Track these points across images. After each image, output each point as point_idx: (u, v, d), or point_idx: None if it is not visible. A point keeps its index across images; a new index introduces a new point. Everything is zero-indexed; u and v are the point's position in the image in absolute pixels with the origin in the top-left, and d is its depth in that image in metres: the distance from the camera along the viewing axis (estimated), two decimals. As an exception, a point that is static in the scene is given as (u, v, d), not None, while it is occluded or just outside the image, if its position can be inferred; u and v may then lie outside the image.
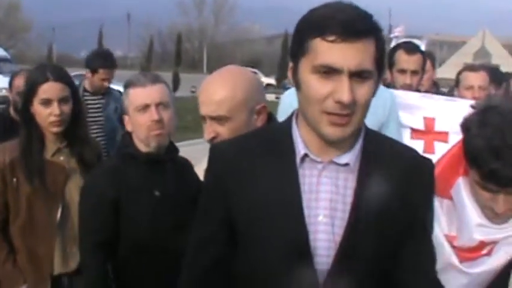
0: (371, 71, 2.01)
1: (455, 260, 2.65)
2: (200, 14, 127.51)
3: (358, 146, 2.16)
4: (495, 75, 6.55)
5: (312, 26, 2.01)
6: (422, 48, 6.18)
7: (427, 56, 6.18)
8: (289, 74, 2.14)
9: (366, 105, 2.05)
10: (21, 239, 3.67)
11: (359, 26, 1.96)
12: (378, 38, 2.04)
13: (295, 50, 2.08)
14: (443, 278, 2.59)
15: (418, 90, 5.29)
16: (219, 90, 2.82)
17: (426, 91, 5.87)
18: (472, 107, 2.56)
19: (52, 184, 3.65)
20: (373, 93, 2.06)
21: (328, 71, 1.97)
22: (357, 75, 1.98)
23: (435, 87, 6.13)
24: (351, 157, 2.13)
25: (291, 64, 2.12)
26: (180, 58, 53.87)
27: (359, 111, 2.04)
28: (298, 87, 2.09)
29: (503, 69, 8.84)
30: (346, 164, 2.13)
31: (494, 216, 2.53)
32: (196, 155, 3.60)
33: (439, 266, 2.54)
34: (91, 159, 3.79)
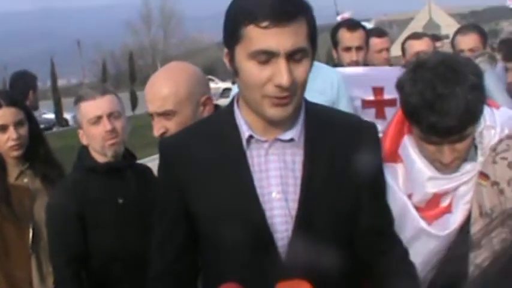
0: (306, 49, 2.05)
1: (423, 224, 2.67)
2: (149, 31, 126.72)
3: (300, 121, 2.20)
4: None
5: (243, 13, 2.02)
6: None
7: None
8: (225, 60, 2.15)
9: (305, 83, 2.09)
10: None
11: (289, 8, 1.98)
12: (309, 16, 2.06)
13: (228, 38, 2.10)
14: (413, 246, 2.58)
15: (366, 65, 5.39)
16: (163, 87, 2.91)
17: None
18: (404, 66, 2.61)
19: (19, 207, 3.65)
20: (310, 69, 2.10)
21: (265, 56, 2.00)
22: (293, 56, 2.01)
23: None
24: (295, 132, 2.17)
25: (226, 50, 2.14)
26: (134, 76, 53.52)
27: (299, 90, 2.08)
28: (236, 73, 2.12)
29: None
30: (291, 140, 2.17)
31: (443, 168, 2.57)
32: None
33: (408, 234, 2.59)
34: (55, 177, 3.79)
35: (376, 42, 6.20)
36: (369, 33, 5.65)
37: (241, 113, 2.22)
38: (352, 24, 5.24)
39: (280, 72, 1.99)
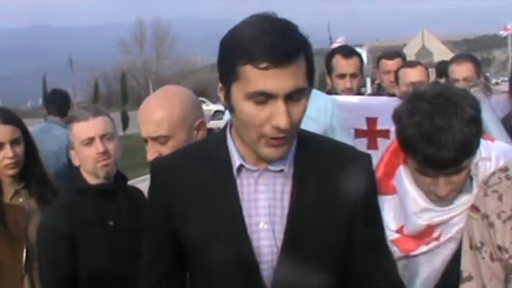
0: (305, 88, 2.03)
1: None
2: (142, 51, 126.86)
3: (291, 152, 2.18)
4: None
5: (241, 52, 1.97)
6: (364, 55, 6.30)
7: (399, 56, 6.38)
8: (220, 94, 2.13)
9: (301, 121, 2.08)
10: None
11: (288, 49, 1.95)
12: (308, 53, 2.04)
13: (224, 74, 2.06)
14: (406, 275, 2.62)
15: (360, 93, 5.38)
16: (156, 111, 2.89)
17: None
18: (400, 98, 2.61)
19: (14, 227, 3.62)
20: (307, 106, 2.08)
21: (263, 97, 1.97)
22: (292, 97, 1.99)
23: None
24: (285, 163, 2.15)
25: (220, 85, 2.10)
26: (126, 96, 53.52)
27: (294, 129, 2.07)
28: (231, 110, 2.09)
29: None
30: (281, 170, 2.16)
31: (438, 200, 2.56)
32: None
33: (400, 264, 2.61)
34: (50, 198, 3.74)
35: (385, 63, 6.27)
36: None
37: (234, 142, 2.20)
38: (347, 51, 5.22)
39: (279, 114, 1.97)
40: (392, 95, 5.73)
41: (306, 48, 2.03)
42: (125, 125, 41.92)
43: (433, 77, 7.72)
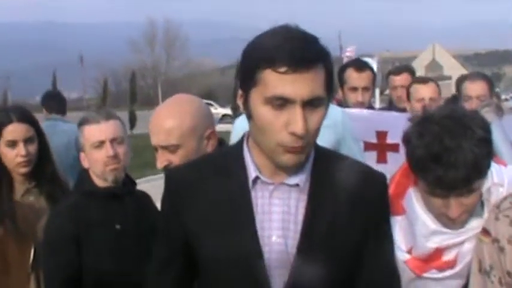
0: (323, 97, 2.04)
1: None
2: (152, 51, 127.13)
3: (308, 166, 2.19)
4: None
5: (261, 57, 2.00)
6: (374, 66, 6.31)
7: (407, 71, 6.41)
8: (239, 102, 2.15)
9: (319, 130, 2.09)
10: None
11: (308, 55, 1.98)
12: (327, 63, 2.06)
13: (244, 80, 2.08)
14: None
15: (371, 107, 5.39)
16: (167, 120, 2.90)
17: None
18: (409, 120, 2.60)
19: (23, 225, 3.61)
20: (325, 116, 2.09)
21: (281, 102, 1.99)
22: (309, 104, 2.00)
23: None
24: (301, 177, 2.16)
25: (240, 92, 2.12)
26: (135, 96, 53.55)
27: (312, 138, 2.08)
28: (249, 116, 2.11)
29: (456, 79, 9.07)
30: (297, 185, 2.17)
31: (450, 222, 2.54)
32: (156, 190, 3.65)
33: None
34: (60, 196, 3.74)
35: (393, 79, 6.29)
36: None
37: (250, 153, 2.21)
38: (360, 65, 5.24)
39: (296, 120, 1.98)
40: (401, 109, 5.77)
41: (325, 58, 2.06)
42: (132, 125, 41.94)
43: (445, 89, 7.69)
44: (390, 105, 6.23)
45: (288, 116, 2.00)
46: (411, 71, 6.52)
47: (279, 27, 2.08)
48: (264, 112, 2.02)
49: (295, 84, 1.97)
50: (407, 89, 5.44)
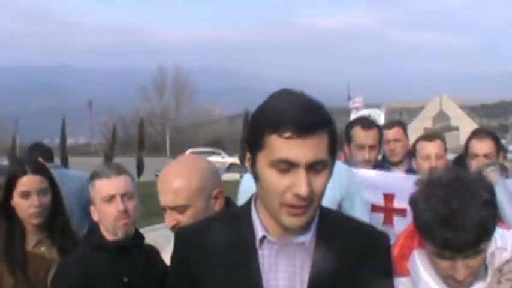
0: (326, 160, 2.11)
1: None
2: (161, 98, 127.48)
3: (314, 226, 2.24)
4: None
5: (267, 122, 2.08)
6: (382, 116, 6.36)
7: (399, 125, 6.49)
8: (247, 164, 2.22)
9: (323, 193, 2.15)
10: None
11: (312, 122, 2.05)
12: (331, 128, 2.13)
13: (251, 144, 2.15)
14: None
15: (377, 165, 5.42)
16: (175, 181, 2.97)
17: (400, 161, 6.12)
18: (416, 183, 2.63)
19: (34, 276, 3.66)
20: (329, 179, 2.15)
21: (286, 165, 2.05)
22: (314, 167, 2.07)
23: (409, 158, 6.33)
24: (306, 237, 2.21)
25: (248, 155, 2.20)
26: (143, 143, 53.59)
27: (316, 201, 2.13)
28: (256, 178, 2.18)
29: (463, 129, 9.08)
30: (302, 244, 2.22)
31: (456, 285, 2.54)
32: (163, 240, 3.69)
33: None
34: (71, 248, 3.77)
35: (385, 133, 6.34)
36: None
37: (258, 214, 2.27)
38: (367, 123, 5.28)
39: (300, 183, 2.05)
40: (394, 163, 6.02)
41: (329, 123, 2.13)
42: (140, 172, 41.99)
43: (452, 140, 7.74)
44: (383, 159, 6.28)
45: (293, 179, 2.06)
46: (403, 125, 6.60)
47: (284, 91, 2.17)
48: (269, 174, 2.09)
49: (299, 148, 2.04)
50: (413, 145, 5.49)
